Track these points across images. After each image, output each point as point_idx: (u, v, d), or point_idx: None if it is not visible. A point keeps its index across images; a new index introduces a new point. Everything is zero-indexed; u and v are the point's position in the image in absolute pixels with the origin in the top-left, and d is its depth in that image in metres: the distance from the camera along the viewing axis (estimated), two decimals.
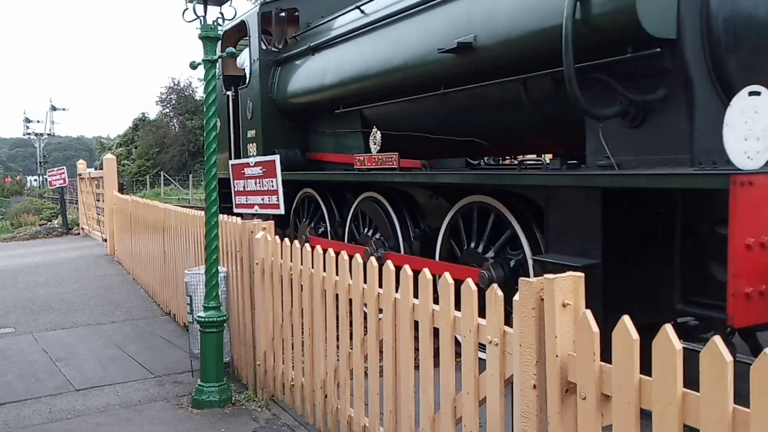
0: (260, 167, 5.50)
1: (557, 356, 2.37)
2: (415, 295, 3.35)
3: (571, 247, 4.10)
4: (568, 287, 2.40)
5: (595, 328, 2.24)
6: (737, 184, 3.12)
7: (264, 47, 8.54)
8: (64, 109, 75.47)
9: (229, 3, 4.89)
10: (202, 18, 4.77)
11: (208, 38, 4.77)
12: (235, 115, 9.13)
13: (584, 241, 4.01)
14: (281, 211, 5.35)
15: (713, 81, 3.88)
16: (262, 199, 5.55)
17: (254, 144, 8.53)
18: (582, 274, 2.45)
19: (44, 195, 39.04)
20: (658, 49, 3.82)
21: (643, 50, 3.89)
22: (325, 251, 4.18)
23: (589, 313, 2.29)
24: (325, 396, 4.23)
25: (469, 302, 2.96)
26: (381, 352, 3.69)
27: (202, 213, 5.31)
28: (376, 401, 3.77)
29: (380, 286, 3.61)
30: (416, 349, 3.41)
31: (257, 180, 5.57)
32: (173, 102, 51.68)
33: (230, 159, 8.60)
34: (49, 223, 22.87)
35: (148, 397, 5.19)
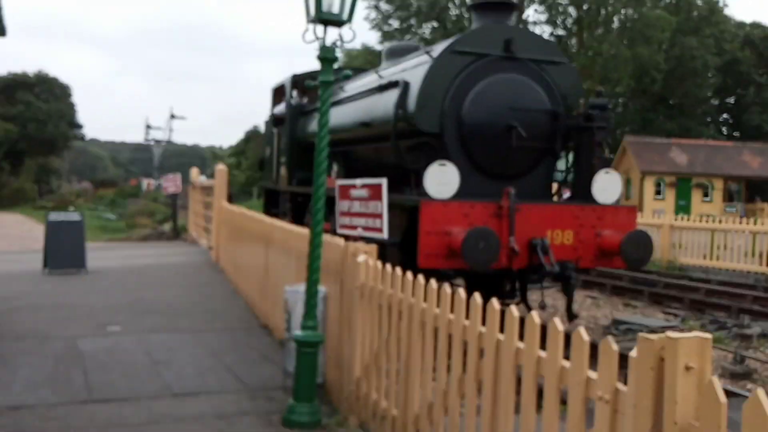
0: (366, 189, 5.49)
1: (676, 423, 2.16)
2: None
3: (392, 233, 6.23)
4: (692, 349, 2.20)
5: (723, 398, 2.02)
6: (421, 203, 6.86)
7: (293, 103, 12.44)
8: (182, 118, 79.65)
9: (348, 26, 4.93)
10: (321, 40, 4.83)
11: (326, 59, 4.82)
12: (278, 145, 13.08)
13: (397, 230, 7.10)
14: (384, 236, 5.30)
15: (463, 153, 7.64)
16: (366, 222, 5.53)
17: (284, 166, 12.44)
18: (710, 336, 2.24)
19: (158, 199, 41.29)
20: (428, 138, 7.68)
21: (422, 137, 7.74)
22: (427, 281, 4.08)
23: (716, 380, 2.07)
24: (418, 431, 4.11)
25: (580, 353, 2.77)
26: (478, 390, 3.53)
27: (307, 230, 5.35)
28: None
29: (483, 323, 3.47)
30: (517, 392, 3.24)
31: (362, 202, 5.56)
32: None
33: (275, 175, 13.12)
34: (161, 226, 24.09)
35: (240, 410, 5.25)
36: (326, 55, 4.84)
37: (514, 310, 3.27)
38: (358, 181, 5.68)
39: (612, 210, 7.72)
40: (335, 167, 10.45)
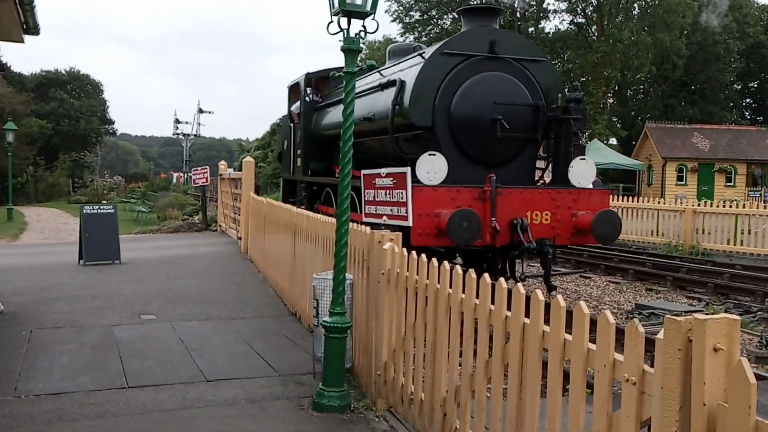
0: (391, 179, 5.55)
1: (705, 405, 2.17)
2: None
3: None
4: (721, 330, 2.20)
5: (752, 379, 2.03)
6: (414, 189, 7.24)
7: (307, 99, 13.28)
8: (210, 112, 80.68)
9: (371, 17, 4.97)
10: (345, 31, 4.88)
11: (350, 51, 4.88)
12: (294, 139, 14.09)
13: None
14: (409, 223, 5.36)
15: (453, 144, 8.37)
16: (391, 210, 5.58)
17: (300, 158, 13.35)
18: (739, 318, 2.25)
19: (188, 191, 41.80)
20: (422, 131, 8.27)
21: (416, 130, 8.37)
22: (452, 268, 4.13)
23: (745, 361, 2.08)
24: (445, 414, 4.17)
25: (606, 335, 2.80)
26: (505, 374, 3.58)
27: (333, 219, 5.43)
28: (498, 426, 3.66)
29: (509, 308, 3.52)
30: (542, 375, 3.28)
31: (387, 191, 5.62)
32: None
33: (292, 167, 14.04)
34: (191, 218, 24.43)
35: (271, 395, 5.37)
36: (350, 47, 4.89)
37: (540, 294, 3.31)
38: (383, 171, 5.74)
39: (586, 193, 8.60)
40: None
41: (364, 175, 6.11)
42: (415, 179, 7.58)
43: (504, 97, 8.49)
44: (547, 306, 3.24)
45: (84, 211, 12.51)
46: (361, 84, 10.58)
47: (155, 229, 22.18)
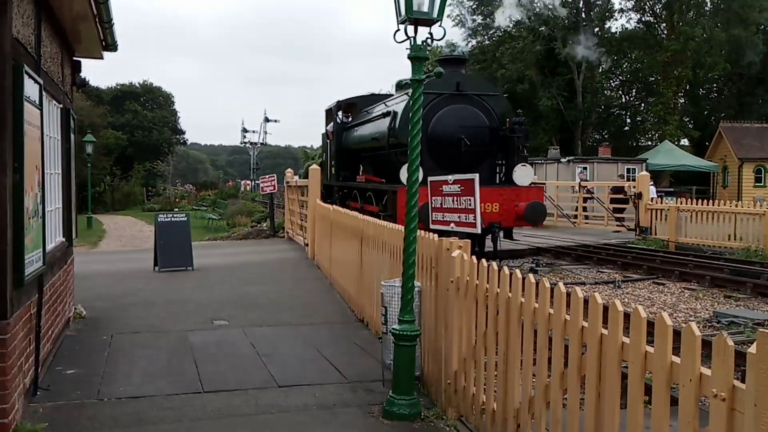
0: (458, 185, 5.51)
1: None
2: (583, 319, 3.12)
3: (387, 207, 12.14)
4: None
5: None
6: (398, 189, 11.65)
7: (339, 122, 17.54)
8: (276, 121, 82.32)
9: (438, 24, 4.95)
10: (412, 39, 4.88)
11: (417, 58, 4.87)
12: (329, 152, 18.37)
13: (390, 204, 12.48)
14: (478, 230, 5.31)
15: (430, 157, 12.13)
16: (459, 217, 5.54)
17: (333, 167, 17.68)
18: None
19: (255, 199, 42.71)
20: (406, 148, 9.69)
21: (404, 147, 8.86)
22: (524, 277, 4.06)
23: None
24: (518, 426, 4.10)
25: (691, 348, 2.69)
26: (581, 384, 3.49)
27: (399, 226, 5.43)
28: None
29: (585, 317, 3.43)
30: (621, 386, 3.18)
31: (455, 198, 5.58)
32: None
33: (329, 174, 18.04)
34: (259, 225, 24.95)
35: (342, 402, 5.40)
36: (417, 54, 4.89)
37: (618, 305, 3.21)
38: (450, 177, 5.71)
39: (526, 189, 12.63)
40: (362, 167, 16.43)
41: (430, 182, 6.10)
42: (400, 182, 11.34)
43: (467, 122, 12.45)
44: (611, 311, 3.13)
45: (158, 220, 12.96)
46: (374, 111, 15.02)
47: (225, 236, 22.76)
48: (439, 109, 12.44)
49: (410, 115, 5.10)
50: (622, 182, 23.12)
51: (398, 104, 12.96)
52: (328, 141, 18.28)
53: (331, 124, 17.92)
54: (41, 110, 5.49)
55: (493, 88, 13.87)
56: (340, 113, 17.55)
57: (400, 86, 15.39)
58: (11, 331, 4.45)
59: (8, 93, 4.42)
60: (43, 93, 5.58)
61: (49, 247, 6.14)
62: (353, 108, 17.60)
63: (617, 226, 21.59)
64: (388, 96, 16.46)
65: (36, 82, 5.23)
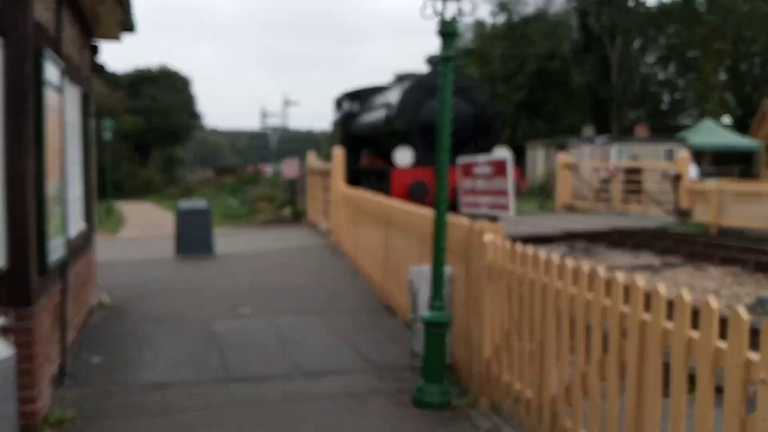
0: (489, 167, 5.36)
1: None
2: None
3: (382, 187, 14.30)
4: None
5: None
6: (392, 170, 14.63)
7: (347, 110, 19.26)
8: (296, 104, 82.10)
9: None
10: (441, 15, 4.71)
11: (447, 34, 4.71)
12: (338, 138, 19.75)
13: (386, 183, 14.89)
14: (510, 212, 5.16)
15: (421, 141, 14.75)
16: (490, 199, 5.40)
17: (342, 147, 17.61)
18: None
19: (276, 184, 42.68)
20: (403, 134, 15.06)
21: (399, 133, 15.02)
22: (561, 262, 3.91)
23: None
24: (554, 414, 3.97)
25: (739, 333, 2.56)
26: (621, 372, 3.35)
27: (427, 211, 5.30)
28: (614, 427, 3.44)
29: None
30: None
31: (486, 179, 5.43)
32: None
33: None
34: (280, 211, 24.91)
35: (369, 390, 5.31)
36: (447, 30, 4.72)
37: (662, 289, 3.06)
38: (481, 158, 5.55)
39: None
40: (367, 150, 17.92)
41: (461, 164, 5.95)
42: (393, 164, 14.05)
43: (454, 111, 13.15)
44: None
45: (179, 207, 12.93)
46: (376, 101, 17.32)
47: (246, 223, 22.74)
48: (428, 100, 14.44)
49: (440, 96, 4.95)
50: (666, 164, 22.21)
51: (394, 96, 14.98)
52: (337, 127, 20.55)
53: (339, 112, 20.11)
54: (62, 95, 5.42)
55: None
56: (347, 103, 19.60)
57: (432, 62, 16.62)
58: (36, 318, 4.41)
59: (30, 78, 4.34)
60: (64, 77, 5.51)
61: (72, 234, 6.10)
62: (359, 98, 19.39)
63: (636, 205, 20.99)
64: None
65: (57, 66, 5.15)
